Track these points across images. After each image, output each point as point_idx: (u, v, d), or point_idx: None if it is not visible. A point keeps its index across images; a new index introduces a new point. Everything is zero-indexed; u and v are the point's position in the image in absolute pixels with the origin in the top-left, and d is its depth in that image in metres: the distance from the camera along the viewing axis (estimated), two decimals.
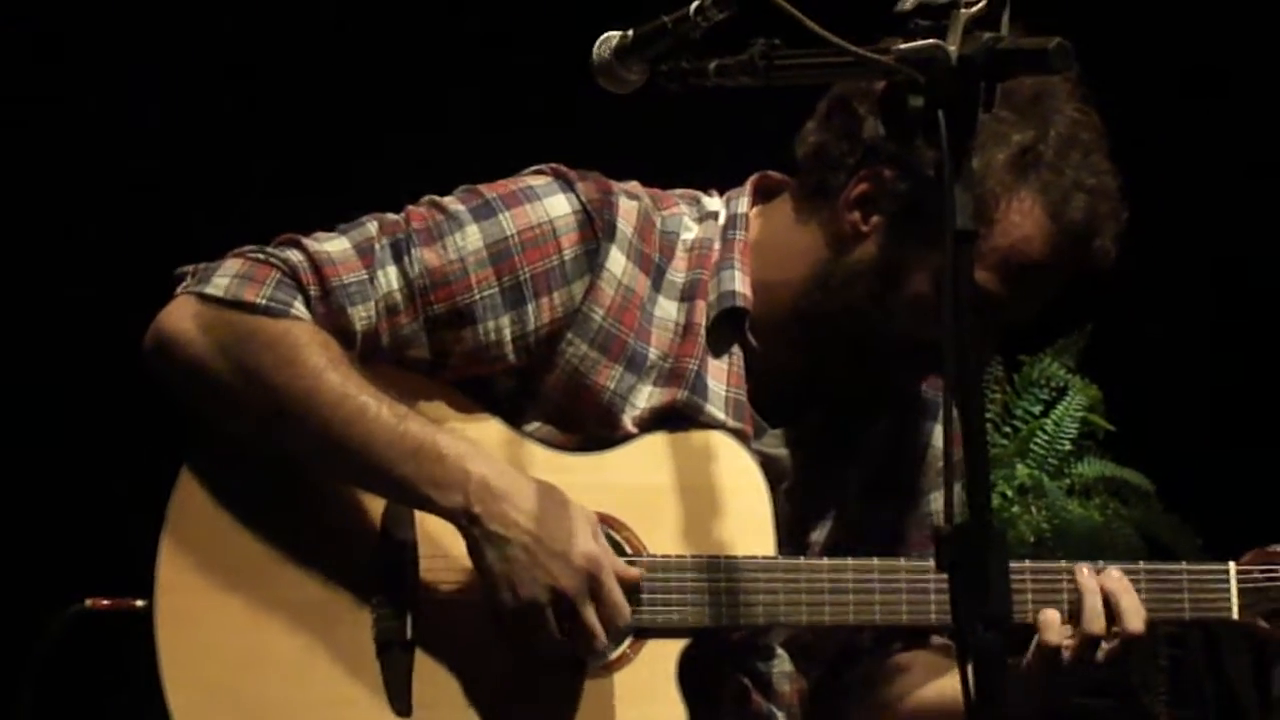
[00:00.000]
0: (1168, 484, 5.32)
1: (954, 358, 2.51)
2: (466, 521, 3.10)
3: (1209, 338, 5.60)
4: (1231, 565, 3.35)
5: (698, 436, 3.26)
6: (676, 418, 3.26)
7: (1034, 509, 5.17)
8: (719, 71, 2.85)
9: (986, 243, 3.15)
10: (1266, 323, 5.58)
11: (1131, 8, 5.46)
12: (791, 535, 3.32)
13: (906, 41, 2.62)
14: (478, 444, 3.15)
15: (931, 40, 2.59)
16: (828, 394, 3.35)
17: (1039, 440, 5.26)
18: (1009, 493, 5.19)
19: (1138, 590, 3.28)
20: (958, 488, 2.63)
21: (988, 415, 5.27)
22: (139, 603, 3.16)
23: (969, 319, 2.53)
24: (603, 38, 2.97)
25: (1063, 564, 3.30)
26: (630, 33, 2.95)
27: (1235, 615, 3.33)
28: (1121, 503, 5.28)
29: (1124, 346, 5.38)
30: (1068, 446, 5.27)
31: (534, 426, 3.23)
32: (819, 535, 3.37)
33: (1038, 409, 5.30)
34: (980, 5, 2.59)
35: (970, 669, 2.51)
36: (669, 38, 2.91)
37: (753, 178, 3.37)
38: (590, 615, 3.11)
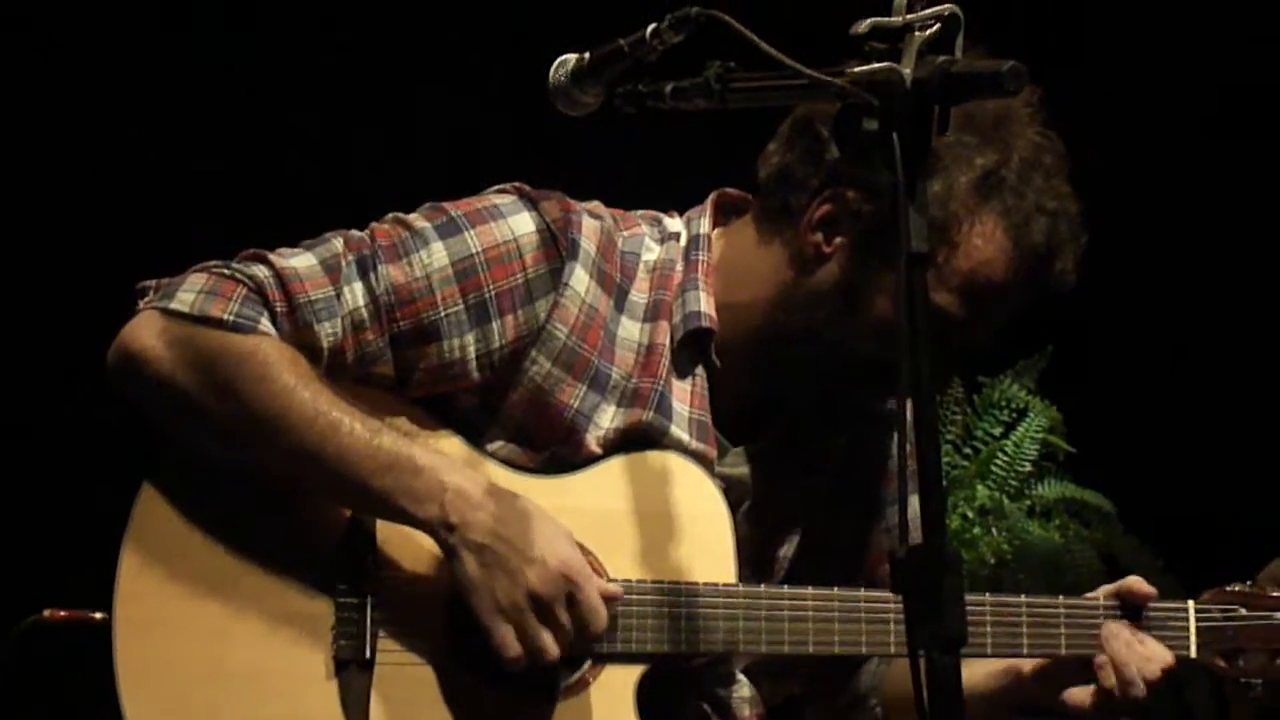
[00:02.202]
0: (1128, 505, 5.33)
1: (908, 379, 2.51)
2: (444, 531, 3.10)
3: (1169, 359, 5.61)
4: (1190, 604, 3.35)
5: (660, 461, 3.25)
6: (641, 439, 3.25)
7: (994, 530, 5.18)
8: (675, 94, 2.86)
9: (949, 265, 3.16)
10: (1227, 343, 5.60)
11: (1093, 32, 5.49)
12: (758, 553, 3.32)
13: (862, 64, 2.62)
14: (451, 458, 3.16)
15: (886, 63, 2.59)
16: (790, 412, 3.35)
17: (999, 461, 5.27)
18: (969, 514, 5.19)
19: (1096, 626, 3.31)
20: (912, 509, 2.63)
21: (948, 437, 5.27)
22: (97, 615, 3.16)
23: (925, 341, 2.53)
24: (559, 61, 2.97)
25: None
26: (586, 56, 2.95)
27: (1193, 654, 3.34)
28: (1082, 524, 5.29)
29: (1084, 368, 5.40)
30: (1028, 468, 5.28)
31: (496, 445, 3.23)
32: (786, 551, 3.37)
33: (998, 430, 5.31)
34: (935, 28, 2.59)
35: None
36: (625, 61, 2.91)
37: (712, 196, 3.37)
38: (567, 618, 3.11)
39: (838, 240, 3.21)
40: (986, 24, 2.71)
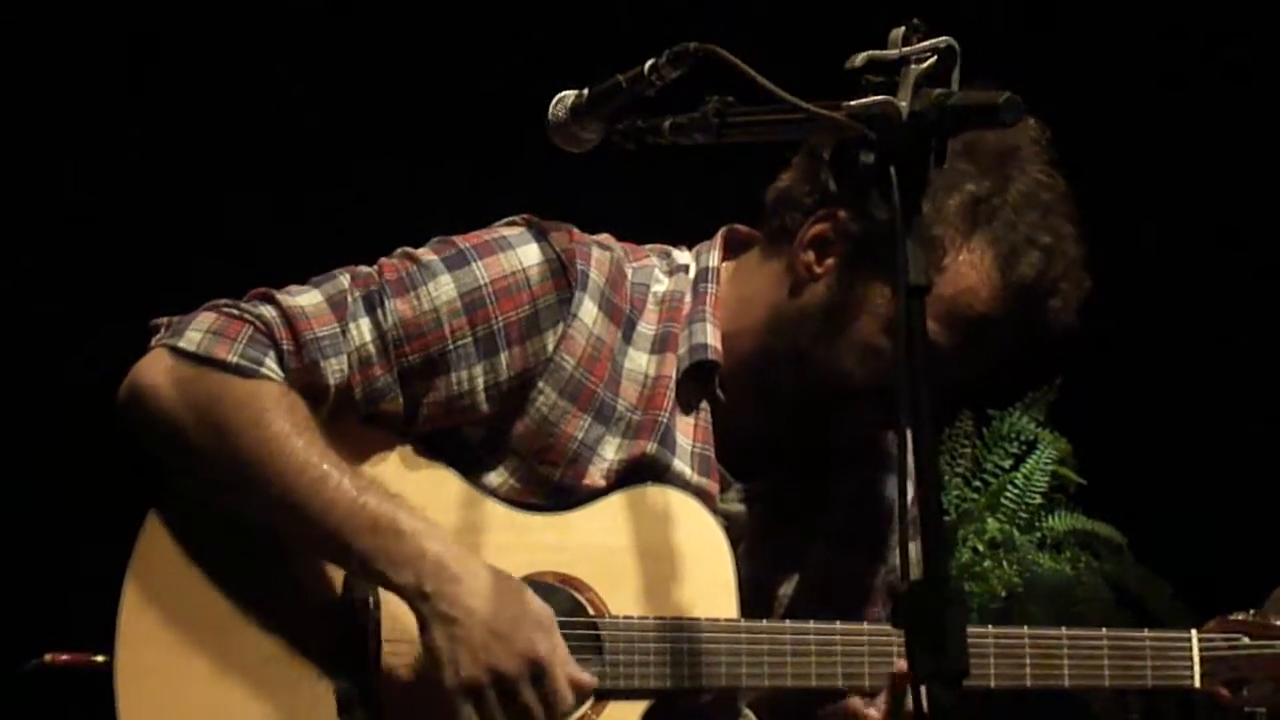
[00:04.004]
0: (1139, 536, 5.32)
1: (907, 413, 2.50)
2: (418, 600, 3.09)
3: (1178, 389, 5.60)
4: (1194, 633, 3.34)
5: (661, 496, 3.25)
6: (644, 471, 3.25)
7: (1005, 563, 5.17)
8: (673, 129, 2.86)
9: (933, 290, 3.13)
10: (1236, 372, 5.59)
11: (1099, 66, 5.49)
12: (759, 591, 3.31)
13: (859, 98, 2.62)
14: (437, 524, 3.14)
15: (883, 96, 2.59)
16: (793, 448, 3.34)
17: (1009, 494, 5.26)
18: (980, 547, 5.18)
19: (1099, 657, 3.28)
20: (914, 544, 2.62)
21: (958, 470, 5.27)
22: (99, 658, 3.15)
23: (921, 374, 2.52)
24: (558, 97, 2.99)
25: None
26: (585, 92, 2.95)
27: (1197, 683, 3.32)
28: (1093, 555, 5.28)
29: (1093, 399, 5.39)
30: (1038, 500, 5.27)
31: (498, 479, 3.22)
32: (787, 590, 3.36)
33: (1008, 463, 5.30)
34: (931, 61, 2.59)
35: None
36: (624, 96, 2.92)
37: (721, 231, 3.36)
38: (531, 699, 3.09)
39: (829, 261, 3.20)
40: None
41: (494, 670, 3.07)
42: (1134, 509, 5.31)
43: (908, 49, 2.60)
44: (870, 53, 2.62)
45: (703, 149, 2.88)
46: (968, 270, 3.16)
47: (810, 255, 3.20)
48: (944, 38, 2.61)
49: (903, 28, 2.63)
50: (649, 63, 2.89)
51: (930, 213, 3.09)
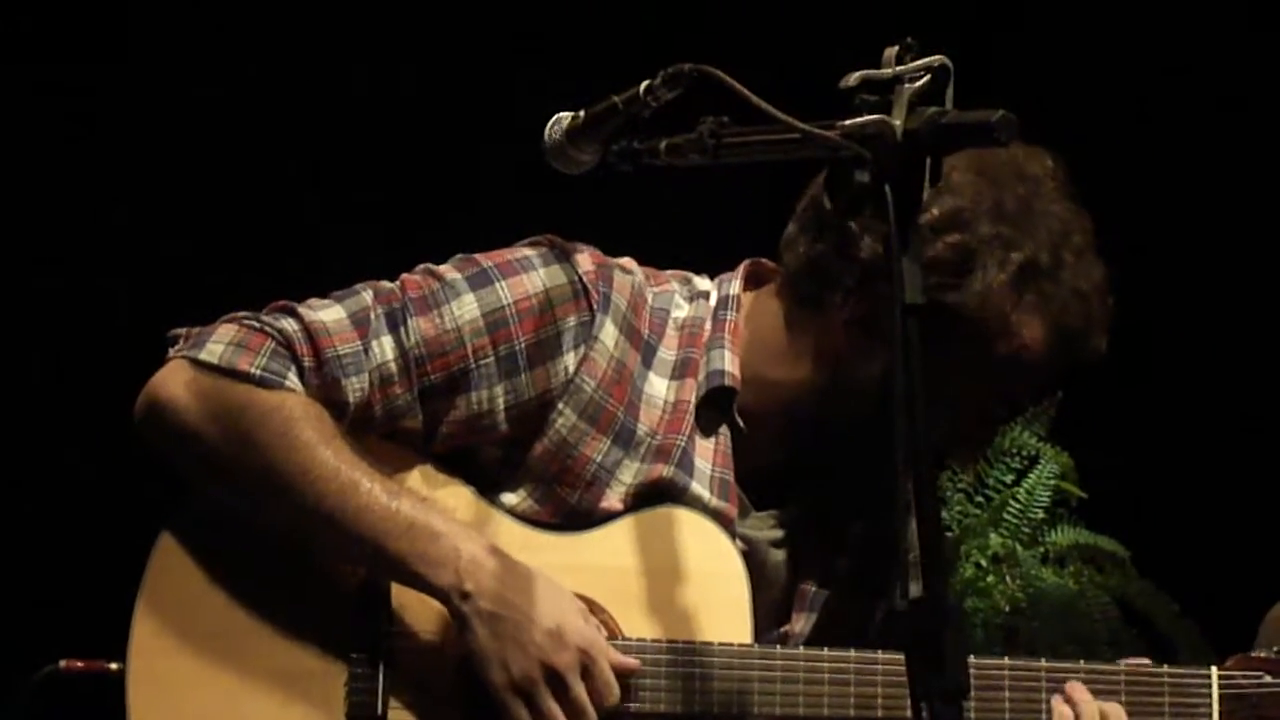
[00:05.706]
0: (1142, 550, 5.32)
1: (905, 432, 2.51)
2: (458, 599, 3.11)
3: (1179, 402, 5.60)
4: (1214, 670, 3.32)
5: (677, 519, 3.25)
6: (662, 494, 3.25)
7: (1008, 578, 5.16)
8: (669, 150, 2.87)
9: (995, 352, 3.18)
10: (1238, 383, 5.59)
11: (1099, 83, 5.50)
12: (775, 621, 3.32)
13: (853, 117, 2.62)
14: (469, 526, 3.16)
15: (877, 116, 2.60)
16: (814, 484, 3.33)
17: (1012, 509, 5.25)
18: (983, 562, 5.18)
19: (1117, 691, 3.27)
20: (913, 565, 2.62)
21: (960, 485, 5.27)
22: (113, 665, 3.17)
23: (921, 397, 2.53)
24: (554, 119, 2.99)
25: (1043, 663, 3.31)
26: (581, 114, 2.96)
27: None
28: (1096, 570, 5.27)
29: (1094, 413, 5.38)
30: (1041, 515, 5.26)
31: (516, 499, 3.23)
32: (801, 626, 3.36)
33: (1010, 478, 5.29)
34: (924, 80, 2.60)
35: None
36: (620, 117, 2.92)
37: (745, 264, 3.36)
38: (582, 692, 3.11)
39: (879, 336, 3.19)
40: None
41: (545, 663, 3.09)
42: (1137, 522, 5.30)
43: (901, 68, 2.61)
44: (864, 72, 2.63)
45: (710, 171, 2.88)
46: (1022, 331, 3.19)
47: (859, 334, 3.21)
48: (938, 56, 2.62)
49: (896, 47, 2.63)
50: (644, 84, 2.89)
51: (982, 289, 3.14)
